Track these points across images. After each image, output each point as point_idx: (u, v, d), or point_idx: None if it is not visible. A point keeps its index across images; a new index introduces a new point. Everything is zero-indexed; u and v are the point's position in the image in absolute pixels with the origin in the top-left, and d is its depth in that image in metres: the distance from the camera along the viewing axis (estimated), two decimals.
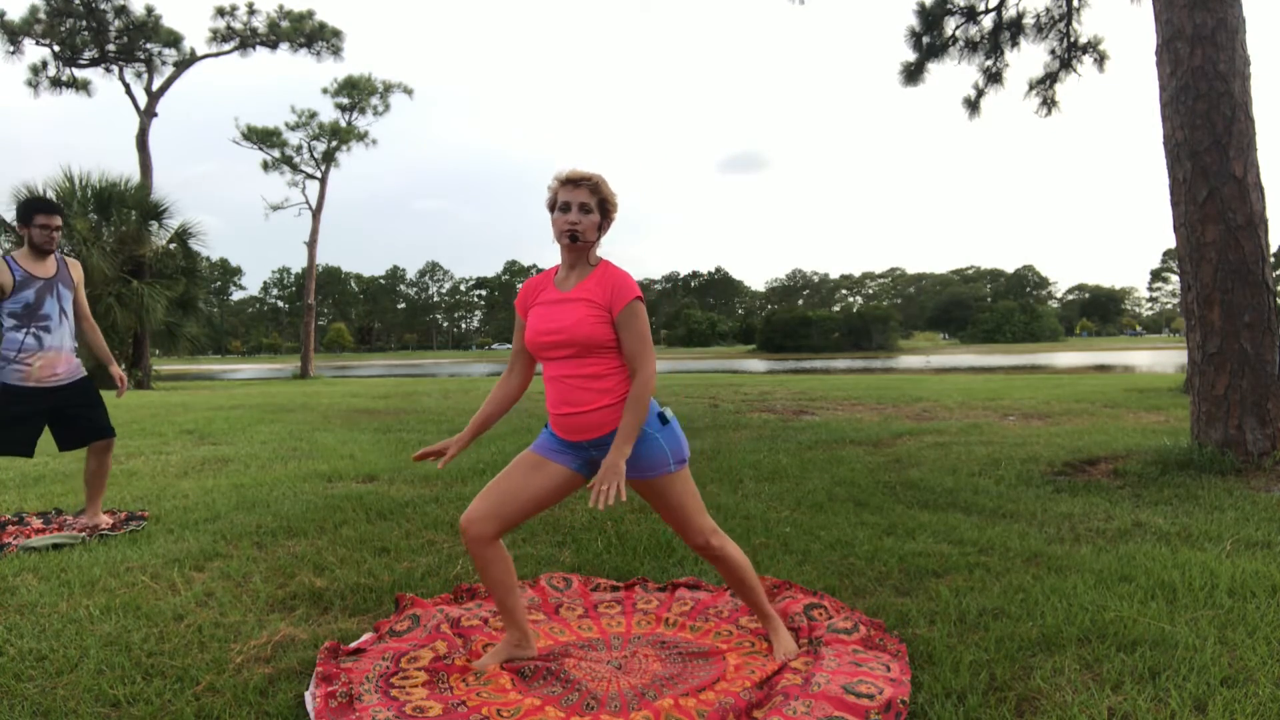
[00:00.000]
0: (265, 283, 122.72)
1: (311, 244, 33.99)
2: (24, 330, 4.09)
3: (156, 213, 20.29)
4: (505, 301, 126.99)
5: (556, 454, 2.47)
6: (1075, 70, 10.50)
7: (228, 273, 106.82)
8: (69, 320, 4.28)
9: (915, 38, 10.49)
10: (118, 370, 4.48)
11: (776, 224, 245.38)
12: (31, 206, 4.17)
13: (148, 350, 21.66)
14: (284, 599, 3.05)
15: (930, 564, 3.33)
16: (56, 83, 26.49)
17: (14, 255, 4.15)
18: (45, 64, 26.23)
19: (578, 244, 2.39)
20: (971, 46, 10.47)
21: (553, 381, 2.43)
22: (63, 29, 25.66)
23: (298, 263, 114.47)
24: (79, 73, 26.76)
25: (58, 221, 4.21)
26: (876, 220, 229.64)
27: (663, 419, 2.44)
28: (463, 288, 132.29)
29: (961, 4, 10.20)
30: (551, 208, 2.42)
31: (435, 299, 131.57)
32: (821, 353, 78.60)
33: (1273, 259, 5.31)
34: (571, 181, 2.39)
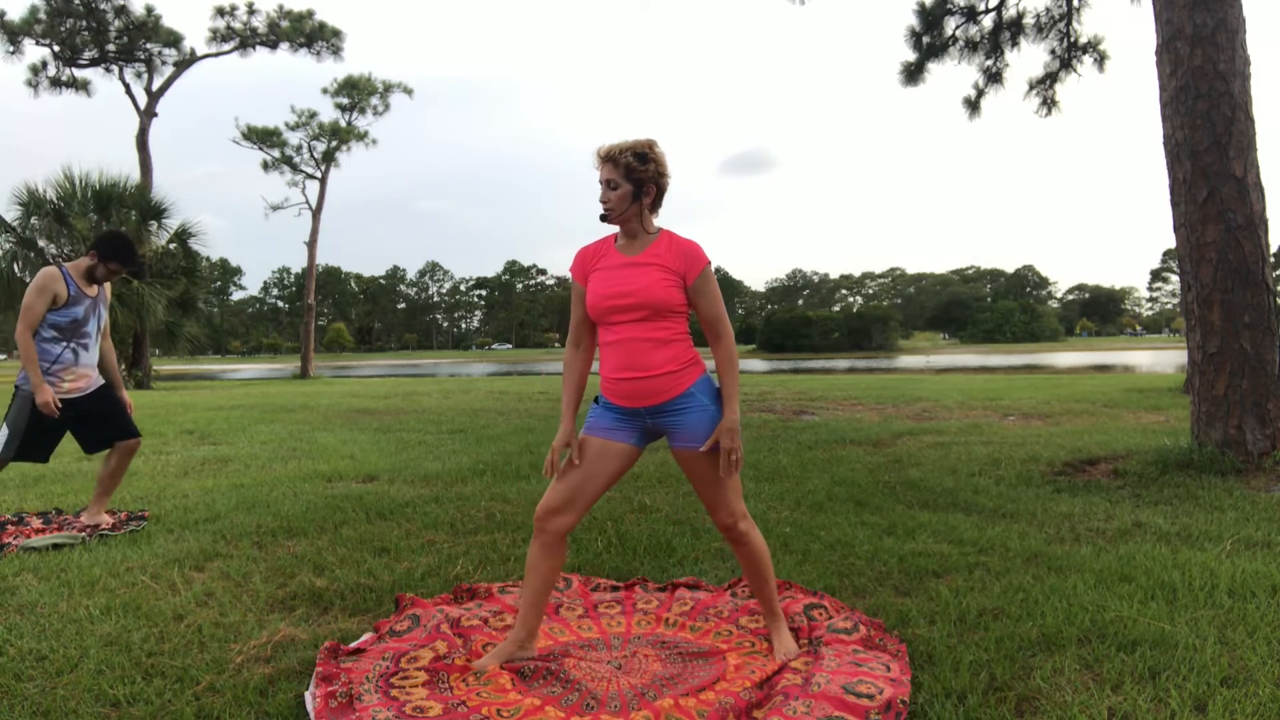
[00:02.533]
0: (265, 283, 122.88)
1: (311, 244, 33.98)
2: (64, 345, 4.17)
3: (156, 213, 20.28)
4: (505, 301, 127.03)
5: (614, 431, 2.48)
6: (1075, 70, 10.50)
7: (228, 273, 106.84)
8: (100, 339, 4.37)
9: (915, 38, 10.49)
10: (125, 396, 4.52)
11: (777, 224, 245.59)
12: (114, 252, 4.19)
13: (148, 350, 21.65)
14: (284, 599, 3.05)
15: (930, 564, 3.33)
16: (56, 83, 26.48)
17: (69, 269, 4.20)
18: (45, 64, 26.24)
19: (610, 220, 2.42)
20: (971, 46, 10.47)
21: (615, 345, 2.42)
22: (63, 29, 25.65)
23: (298, 263, 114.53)
24: (79, 73, 26.77)
25: (126, 273, 4.29)
26: (876, 220, 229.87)
27: (719, 394, 2.45)
28: (463, 288, 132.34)
29: (961, 4, 10.19)
30: None
31: (435, 299, 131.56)
32: (821, 353, 78.61)
33: (1273, 259, 5.31)
34: (599, 158, 2.42)
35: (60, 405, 4.14)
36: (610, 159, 2.39)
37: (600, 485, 2.49)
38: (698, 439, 2.42)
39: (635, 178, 2.39)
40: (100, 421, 4.33)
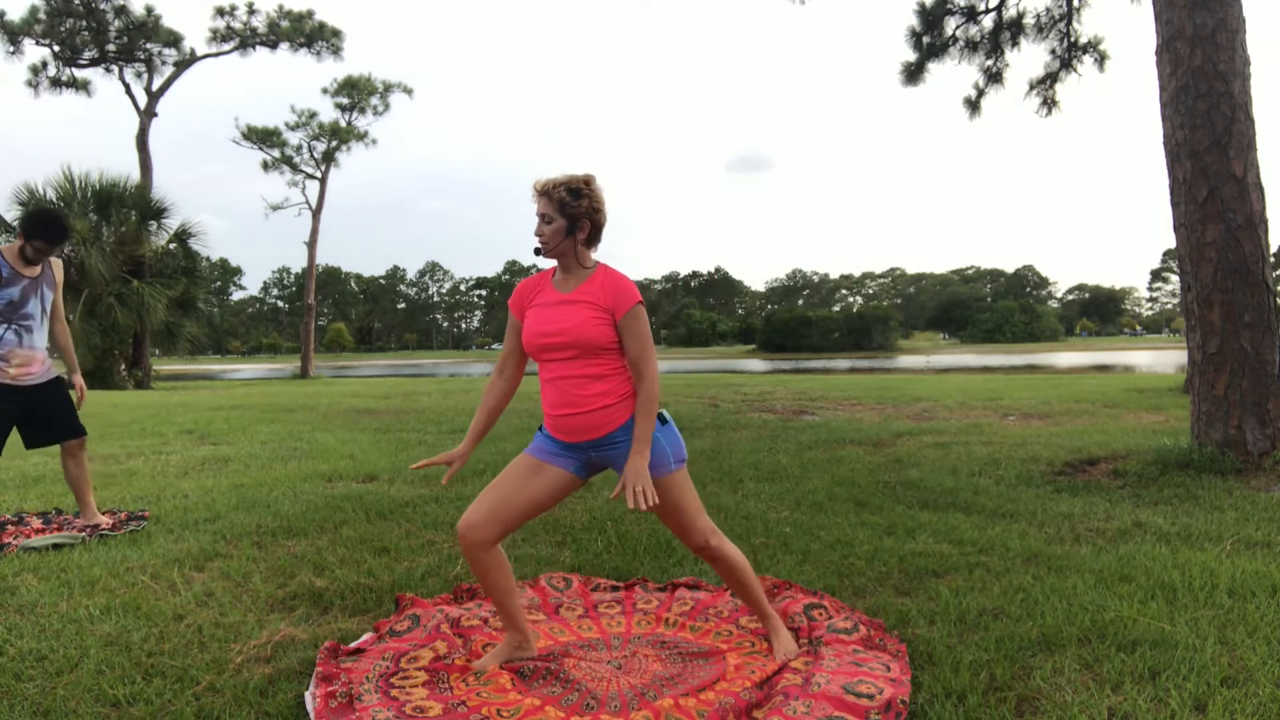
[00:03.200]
0: (265, 283, 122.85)
1: (311, 244, 34.00)
2: (5, 326, 4.06)
3: (156, 213, 20.30)
4: (505, 301, 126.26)
5: (554, 456, 2.47)
6: (1075, 70, 10.51)
7: (228, 273, 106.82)
8: (48, 321, 4.27)
9: (915, 38, 10.49)
10: (80, 380, 4.45)
11: (777, 224, 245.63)
12: (37, 229, 4.11)
13: (148, 350, 21.66)
14: (284, 599, 3.05)
15: (930, 564, 3.33)
16: (56, 83, 26.51)
17: (3, 251, 4.12)
18: (45, 64, 26.27)
19: (544, 254, 2.42)
20: (972, 46, 10.47)
21: (551, 383, 2.42)
22: (63, 29, 25.67)
23: (298, 263, 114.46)
24: (79, 73, 26.80)
25: (55, 254, 4.18)
26: (876, 220, 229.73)
27: (661, 419, 2.45)
28: (463, 288, 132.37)
29: (962, 4, 10.20)
30: None
31: (435, 299, 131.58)
32: (821, 353, 78.60)
33: (1273, 259, 5.31)
34: (535, 192, 2.42)
35: (8, 390, 4.04)
36: (545, 193, 2.38)
37: (530, 503, 2.44)
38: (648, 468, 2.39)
39: (569, 213, 2.38)
40: (45, 421, 4.23)
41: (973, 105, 11.13)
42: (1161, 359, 39.54)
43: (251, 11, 29.56)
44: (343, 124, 35.31)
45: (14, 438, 4.27)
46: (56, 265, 4.34)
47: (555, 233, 2.39)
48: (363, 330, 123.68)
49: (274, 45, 30.19)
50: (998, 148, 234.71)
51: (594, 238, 2.46)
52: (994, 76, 10.72)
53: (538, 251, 2.42)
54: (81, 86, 26.81)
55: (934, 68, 10.65)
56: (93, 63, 26.70)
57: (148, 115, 26.62)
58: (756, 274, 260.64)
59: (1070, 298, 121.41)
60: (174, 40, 27.19)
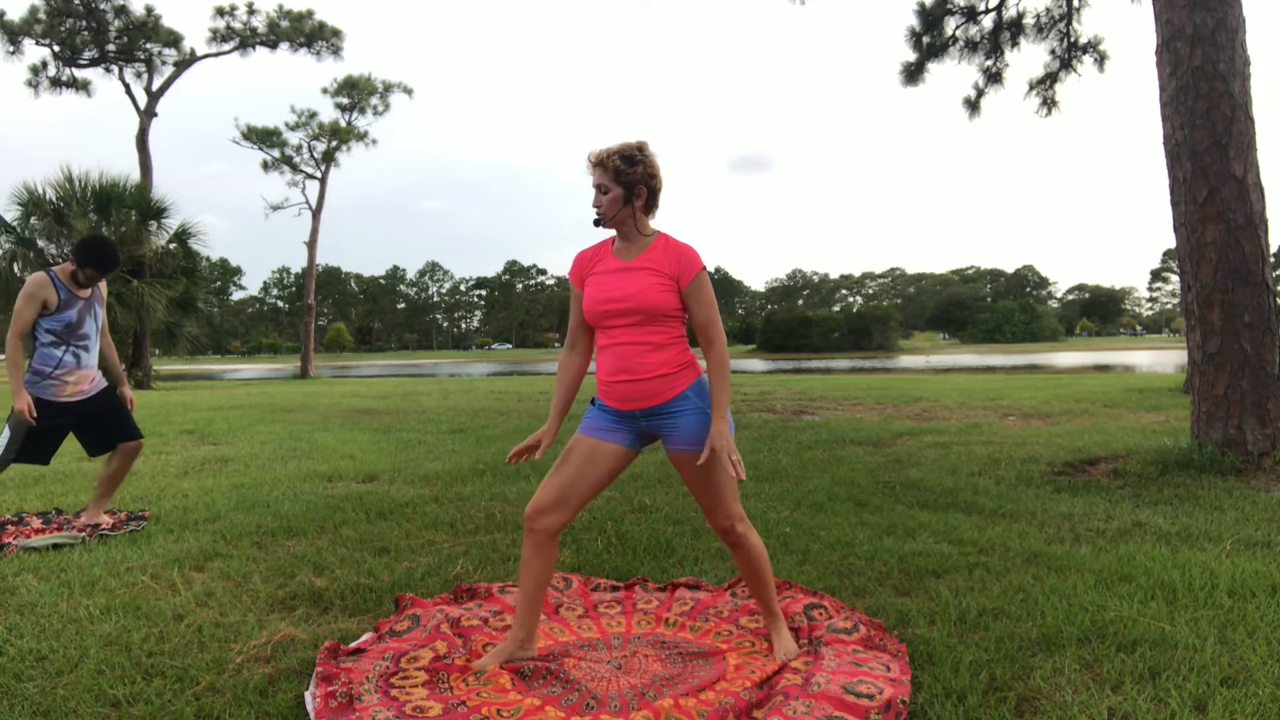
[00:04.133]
0: (265, 283, 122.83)
1: (311, 244, 33.97)
2: (63, 348, 4.16)
3: (156, 213, 20.27)
4: (505, 301, 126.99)
5: (609, 432, 2.49)
6: (1075, 70, 10.51)
7: (228, 273, 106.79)
8: (99, 338, 4.36)
9: (915, 38, 10.50)
10: (128, 390, 4.51)
11: (777, 224, 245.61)
12: (89, 259, 4.15)
13: (148, 350, 21.65)
14: (284, 599, 3.05)
15: (930, 564, 3.33)
16: (56, 83, 26.47)
17: (57, 273, 4.19)
18: (45, 64, 26.22)
19: (604, 225, 2.44)
20: (971, 46, 10.48)
21: (610, 349, 2.43)
22: (63, 29, 25.65)
23: (298, 263, 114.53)
24: (79, 73, 26.75)
25: (104, 280, 4.28)
26: (876, 220, 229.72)
27: None
28: (463, 288, 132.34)
29: (961, 4, 10.20)
30: None
31: (435, 299, 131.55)
32: (821, 353, 78.59)
33: (1273, 259, 5.31)
34: (589, 163, 2.43)
35: (53, 410, 4.12)
36: (599, 163, 2.40)
37: (592, 485, 2.49)
38: (692, 442, 2.42)
39: (625, 181, 2.40)
40: (103, 424, 4.32)
41: (973, 105, 11.14)
42: (1161, 359, 39.53)
43: (251, 11, 29.53)
44: (343, 124, 35.28)
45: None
46: (102, 285, 4.42)
47: (612, 202, 2.40)
48: (363, 330, 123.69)
49: (274, 45, 30.16)
50: (998, 148, 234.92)
51: (651, 204, 2.47)
52: (994, 76, 10.72)
53: (597, 223, 2.44)
54: (81, 86, 26.79)
55: (934, 68, 10.66)
56: (93, 63, 26.67)
57: (148, 115, 26.60)
58: (756, 274, 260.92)
59: (1070, 298, 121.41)
60: (174, 40, 27.16)
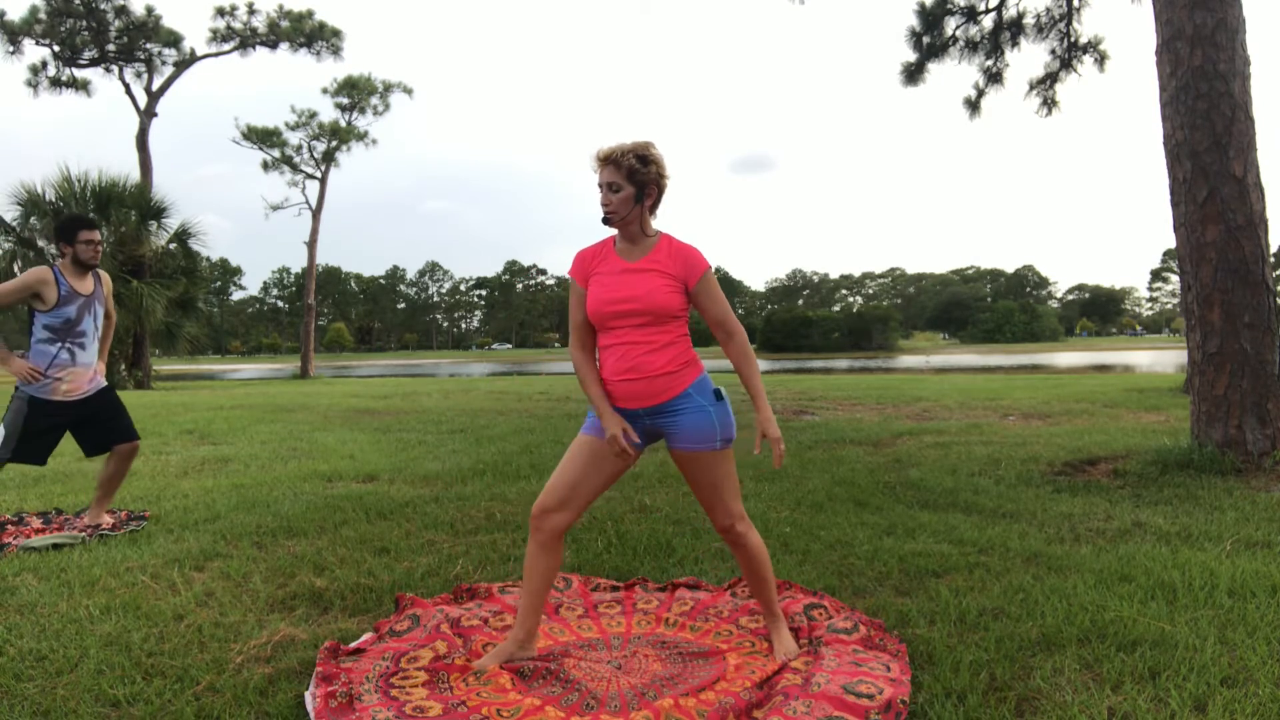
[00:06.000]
0: (265, 283, 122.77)
1: (311, 244, 33.97)
2: (59, 345, 4.13)
3: (156, 213, 20.27)
4: (505, 301, 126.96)
5: None
6: (1075, 70, 10.51)
7: (228, 273, 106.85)
8: (98, 336, 4.34)
9: (916, 38, 10.50)
10: (101, 368, 4.49)
11: (777, 224, 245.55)
12: (75, 224, 4.17)
13: (147, 350, 21.65)
14: (284, 599, 3.05)
15: (930, 564, 3.33)
16: (56, 83, 26.49)
17: (61, 268, 4.18)
18: (45, 64, 26.24)
19: (613, 224, 2.42)
20: (972, 46, 10.48)
21: (615, 349, 2.43)
22: (63, 29, 25.65)
23: (298, 263, 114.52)
24: (79, 73, 26.77)
25: (99, 236, 4.25)
26: (876, 220, 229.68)
27: (718, 395, 2.47)
28: (462, 288, 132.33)
29: (962, 4, 10.20)
30: None
31: (435, 299, 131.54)
32: (821, 353, 78.59)
33: (1273, 259, 5.31)
34: (599, 160, 2.41)
35: (49, 409, 4.10)
36: (612, 161, 2.38)
37: (598, 484, 2.50)
38: (695, 440, 2.43)
39: (638, 180, 2.39)
40: (99, 425, 4.31)
41: (973, 105, 11.14)
42: (1161, 359, 39.53)
43: (252, 11, 29.54)
44: (343, 124, 35.28)
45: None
46: (105, 279, 4.40)
47: (624, 201, 2.39)
48: (363, 330, 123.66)
49: (274, 45, 30.16)
50: (998, 148, 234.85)
51: (656, 204, 2.47)
52: (994, 76, 10.72)
53: (606, 221, 2.42)
54: (81, 86, 26.79)
55: (934, 68, 10.67)
56: (93, 63, 26.68)
57: (148, 115, 26.60)
58: (757, 274, 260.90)
59: (1070, 298, 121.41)
60: (174, 40, 27.16)
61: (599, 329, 2.48)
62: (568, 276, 2.58)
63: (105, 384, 4.38)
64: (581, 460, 2.48)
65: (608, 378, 2.47)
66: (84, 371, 4.24)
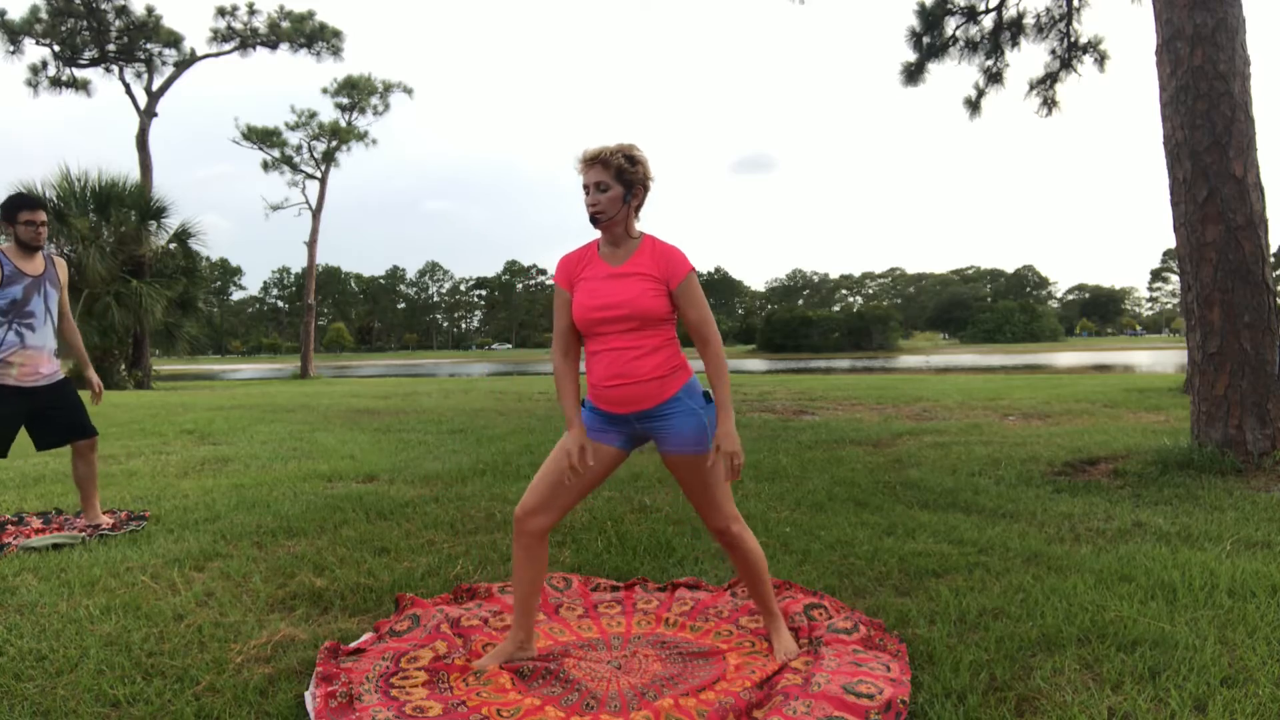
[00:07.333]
0: (265, 283, 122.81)
1: (311, 244, 33.99)
2: (6, 327, 4.04)
3: (156, 213, 20.28)
4: (505, 301, 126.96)
5: (600, 434, 2.49)
6: (1075, 70, 10.51)
7: (228, 273, 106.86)
8: (53, 320, 4.24)
9: (916, 38, 10.50)
10: (94, 375, 4.47)
11: (777, 224, 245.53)
12: (14, 204, 4.13)
13: (147, 350, 21.65)
14: (284, 599, 3.05)
15: (930, 564, 3.33)
16: (56, 83, 26.50)
17: (4, 250, 4.13)
18: (45, 64, 26.26)
19: (601, 224, 2.42)
20: (972, 46, 10.48)
21: (602, 355, 2.42)
22: (63, 29, 25.67)
23: (298, 263, 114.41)
24: (79, 73, 26.79)
25: (42, 216, 4.17)
26: (876, 220, 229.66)
27: (707, 397, 2.47)
28: (462, 288, 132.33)
29: (962, 4, 10.20)
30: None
31: (435, 299, 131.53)
32: (821, 353, 78.58)
33: (1273, 259, 5.31)
34: (585, 161, 2.41)
35: (3, 394, 4.02)
36: (600, 160, 2.38)
37: (582, 487, 2.49)
38: (686, 443, 2.42)
39: (626, 179, 2.39)
40: (55, 422, 4.23)
41: (973, 105, 11.14)
42: (1161, 359, 39.53)
43: (252, 12, 29.56)
44: (343, 124, 35.29)
45: (22, 439, 4.27)
46: (61, 265, 4.35)
47: (612, 200, 2.39)
48: (363, 330, 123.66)
49: (274, 45, 30.18)
50: (998, 148, 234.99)
51: (641, 205, 2.48)
52: (994, 76, 10.73)
53: (595, 222, 2.42)
54: (81, 86, 26.81)
55: (934, 68, 10.67)
56: (93, 63, 26.69)
57: (148, 115, 26.61)
58: (757, 274, 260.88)
59: (1070, 298, 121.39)
60: (174, 40, 27.18)
61: (585, 335, 2.47)
62: (554, 283, 2.58)
63: (62, 376, 4.28)
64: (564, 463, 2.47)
65: (596, 383, 2.46)
66: (35, 354, 4.12)
